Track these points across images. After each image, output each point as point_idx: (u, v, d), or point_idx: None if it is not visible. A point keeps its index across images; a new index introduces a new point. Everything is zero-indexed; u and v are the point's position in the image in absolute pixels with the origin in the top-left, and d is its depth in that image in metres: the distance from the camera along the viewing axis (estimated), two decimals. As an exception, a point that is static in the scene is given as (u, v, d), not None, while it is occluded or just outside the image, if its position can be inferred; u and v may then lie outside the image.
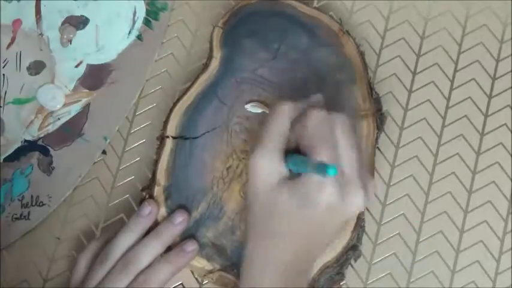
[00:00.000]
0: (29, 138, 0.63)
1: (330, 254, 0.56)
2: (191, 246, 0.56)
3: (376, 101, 0.59)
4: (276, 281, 0.49)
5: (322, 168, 0.45)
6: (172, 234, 0.56)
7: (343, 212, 0.49)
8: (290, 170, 0.50)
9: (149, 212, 0.56)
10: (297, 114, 0.51)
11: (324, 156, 0.48)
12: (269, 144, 0.49)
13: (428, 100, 0.62)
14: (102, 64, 0.64)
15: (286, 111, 0.50)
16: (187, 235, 0.57)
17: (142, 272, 0.54)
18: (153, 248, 0.55)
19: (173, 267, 0.55)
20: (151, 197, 0.58)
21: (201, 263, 0.57)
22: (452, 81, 0.63)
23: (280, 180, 0.49)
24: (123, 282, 0.54)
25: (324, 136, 0.49)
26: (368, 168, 0.56)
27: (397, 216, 0.60)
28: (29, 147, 0.63)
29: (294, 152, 0.50)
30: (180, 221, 0.56)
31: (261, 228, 0.50)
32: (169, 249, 0.56)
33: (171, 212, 0.57)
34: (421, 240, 0.59)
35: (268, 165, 0.49)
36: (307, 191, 0.48)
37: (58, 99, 0.63)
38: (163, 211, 0.57)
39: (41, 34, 0.65)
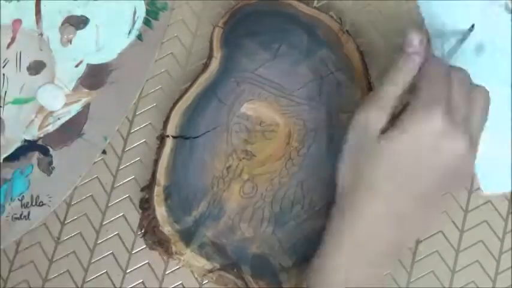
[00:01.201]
0: (29, 138, 0.63)
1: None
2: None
3: (376, 101, 0.59)
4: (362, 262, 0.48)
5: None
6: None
7: (445, 156, 0.46)
8: None
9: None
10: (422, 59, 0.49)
11: (433, 92, 0.46)
12: (383, 95, 0.48)
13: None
14: (102, 64, 0.64)
15: (413, 59, 0.48)
16: (188, 234, 0.57)
17: None
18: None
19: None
20: (151, 197, 0.58)
21: (200, 263, 0.57)
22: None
23: (383, 130, 0.47)
24: None
25: (440, 79, 0.47)
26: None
27: (397, 216, 0.60)
28: (29, 147, 0.63)
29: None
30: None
31: (352, 189, 0.48)
32: None
33: (170, 212, 0.57)
34: (421, 240, 0.59)
35: (375, 116, 0.48)
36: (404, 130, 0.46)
37: (58, 99, 0.63)
38: (163, 211, 0.57)
39: (41, 34, 0.65)
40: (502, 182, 0.60)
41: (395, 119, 0.47)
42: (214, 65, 0.60)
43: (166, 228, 0.57)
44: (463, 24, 0.60)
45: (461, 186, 0.52)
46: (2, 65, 0.64)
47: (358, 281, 0.48)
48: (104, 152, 0.63)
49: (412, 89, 0.48)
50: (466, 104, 0.47)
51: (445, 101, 0.46)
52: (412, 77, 0.48)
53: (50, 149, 0.63)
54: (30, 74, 0.64)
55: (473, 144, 0.47)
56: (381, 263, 0.50)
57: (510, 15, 0.62)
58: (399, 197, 0.48)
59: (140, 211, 0.60)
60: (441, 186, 0.49)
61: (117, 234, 0.61)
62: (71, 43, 0.65)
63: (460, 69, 0.49)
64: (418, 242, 0.59)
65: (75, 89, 0.64)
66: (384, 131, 0.47)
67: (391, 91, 0.48)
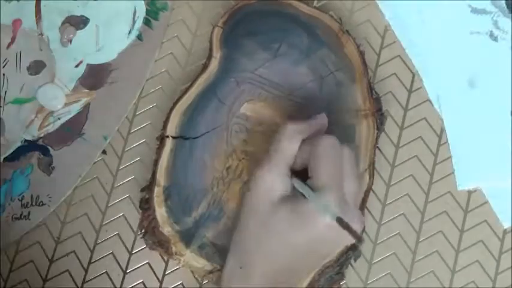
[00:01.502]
0: (29, 138, 0.63)
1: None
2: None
3: (376, 101, 0.59)
4: None
5: (324, 208, 0.47)
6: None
7: (339, 239, 0.49)
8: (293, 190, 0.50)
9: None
10: (307, 134, 0.52)
11: (329, 180, 0.48)
12: (278, 161, 0.51)
13: (428, 100, 0.62)
14: (102, 64, 0.64)
15: (295, 132, 0.51)
16: (188, 235, 0.57)
17: None
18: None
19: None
20: (151, 197, 0.58)
21: (201, 263, 0.57)
22: (452, 81, 0.63)
23: (282, 197, 0.50)
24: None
25: (333, 163, 0.49)
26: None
27: (397, 216, 0.60)
28: (29, 147, 0.63)
29: (299, 172, 0.51)
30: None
31: (251, 245, 0.51)
32: None
33: (170, 213, 0.57)
34: (421, 240, 0.59)
35: (273, 181, 0.50)
36: (309, 211, 0.48)
37: (59, 99, 0.63)
38: (163, 211, 0.57)
39: (41, 34, 0.65)
40: (475, 177, 0.60)
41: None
42: (214, 65, 0.60)
43: (166, 229, 0.57)
44: (450, 57, 0.62)
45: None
46: (2, 65, 0.64)
47: None
48: (104, 152, 0.63)
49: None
50: (350, 181, 0.50)
51: (338, 188, 0.49)
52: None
53: (50, 149, 0.63)
54: (30, 74, 0.64)
55: (359, 217, 0.50)
56: None
57: (496, 42, 0.61)
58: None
59: (140, 211, 0.60)
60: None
61: (117, 234, 0.61)
62: (71, 43, 0.65)
63: (346, 147, 0.51)
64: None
65: (75, 89, 0.64)
66: (283, 199, 0.50)
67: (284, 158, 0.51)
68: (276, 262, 0.50)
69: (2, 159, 0.62)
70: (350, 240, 0.48)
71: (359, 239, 0.47)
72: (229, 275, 0.52)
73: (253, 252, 0.51)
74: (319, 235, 0.48)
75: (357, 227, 0.48)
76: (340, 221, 0.47)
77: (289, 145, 0.51)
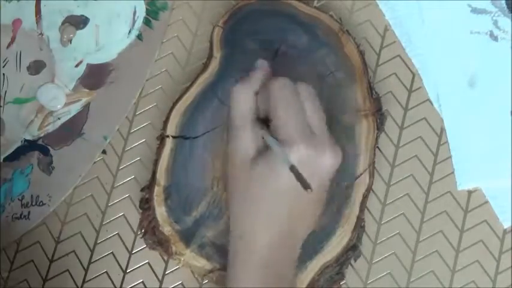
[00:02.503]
0: (29, 138, 0.63)
1: (330, 254, 0.56)
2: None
3: (376, 101, 0.59)
4: (260, 268, 0.50)
5: (284, 158, 0.47)
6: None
7: (320, 172, 0.49)
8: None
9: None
10: (257, 87, 0.52)
11: (289, 123, 0.49)
12: (240, 123, 0.51)
13: (428, 100, 0.62)
14: (102, 64, 0.64)
15: (242, 91, 0.52)
16: (188, 234, 0.57)
17: None
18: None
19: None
20: (151, 197, 0.58)
21: (201, 263, 0.57)
22: (452, 81, 0.63)
23: (255, 154, 0.50)
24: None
25: (289, 101, 0.50)
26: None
27: (397, 216, 0.60)
28: (29, 147, 0.63)
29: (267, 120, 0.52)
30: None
31: (241, 209, 0.51)
32: None
33: (170, 212, 0.57)
34: (421, 239, 0.59)
35: (242, 143, 0.51)
36: (278, 162, 0.48)
37: (59, 99, 0.64)
38: (163, 211, 0.57)
39: (41, 34, 0.65)
40: (475, 177, 0.60)
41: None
42: (214, 64, 0.60)
43: (166, 229, 0.57)
44: (450, 57, 0.62)
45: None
46: (2, 65, 0.64)
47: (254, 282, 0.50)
48: (104, 151, 0.63)
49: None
50: (314, 113, 0.51)
51: (301, 127, 0.49)
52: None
53: (50, 149, 0.63)
54: (30, 73, 0.64)
55: (332, 145, 0.50)
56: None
57: (496, 42, 0.61)
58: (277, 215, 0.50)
59: (140, 211, 0.60)
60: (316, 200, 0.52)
61: (117, 234, 0.61)
62: (71, 43, 0.65)
63: (301, 83, 0.52)
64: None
65: (75, 88, 0.64)
66: (257, 156, 0.50)
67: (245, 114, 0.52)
68: (269, 221, 0.50)
69: (2, 159, 0.62)
70: (330, 166, 0.49)
71: (306, 186, 0.46)
72: (233, 250, 0.51)
73: (246, 218, 0.51)
74: (292, 184, 0.47)
75: (329, 158, 0.49)
76: (292, 169, 0.47)
77: (242, 105, 0.51)
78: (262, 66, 0.55)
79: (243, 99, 0.52)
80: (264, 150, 0.50)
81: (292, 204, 0.50)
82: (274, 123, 0.50)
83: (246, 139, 0.51)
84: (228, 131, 0.52)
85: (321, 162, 0.49)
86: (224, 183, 0.57)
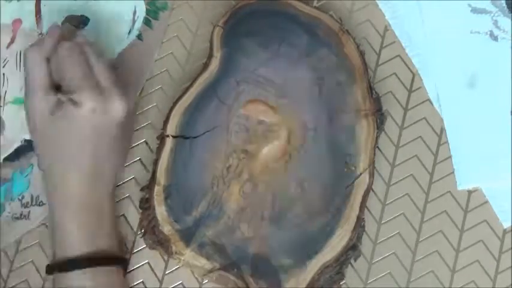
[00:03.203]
0: (29, 137, 0.63)
1: (330, 254, 0.56)
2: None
3: (376, 101, 0.59)
4: (80, 209, 0.55)
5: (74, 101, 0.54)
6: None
7: (111, 118, 0.55)
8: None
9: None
10: (49, 50, 0.56)
11: (76, 78, 0.54)
12: (32, 88, 0.55)
13: (428, 100, 0.62)
14: (102, 64, 0.64)
15: (34, 55, 0.56)
16: (188, 234, 0.57)
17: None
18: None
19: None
20: (151, 197, 0.58)
21: (201, 262, 0.57)
22: (452, 81, 0.63)
23: (52, 111, 0.55)
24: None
25: (73, 59, 0.55)
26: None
27: (397, 216, 0.60)
28: (29, 147, 0.63)
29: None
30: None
31: (49, 162, 0.56)
32: None
33: (170, 212, 0.57)
34: (421, 239, 0.59)
35: (39, 103, 0.55)
36: (69, 110, 0.54)
37: (58, 99, 0.63)
38: (163, 211, 0.57)
39: (41, 33, 0.65)
40: (475, 177, 0.60)
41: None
42: (214, 64, 0.60)
43: (166, 228, 0.57)
44: (450, 57, 0.62)
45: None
46: (2, 65, 0.64)
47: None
48: (103, 151, 0.63)
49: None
50: (100, 67, 0.56)
51: (87, 78, 0.55)
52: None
53: (50, 149, 0.63)
54: (30, 73, 0.64)
55: (119, 94, 0.56)
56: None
57: (496, 42, 0.61)
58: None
59: (140, 211, 0.59)
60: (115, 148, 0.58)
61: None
62: (71, 43, 0.65)
63: (85, 43, 0.57)
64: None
65: (75, 88, 0.64)
66: (52, 111, 0.55)
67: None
68: (77, 166, 0.55)
69: (2, 159, 0.62)
70: (116, 112, 0.55)
71: (74, 103, 0.53)
72: (49, 207, 0.57)
73: (56, 170, 0.56)
74: (88, 125, 0.54)
75: (116, 106, 0.55)
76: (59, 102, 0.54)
77: (35, 71, 0.55)
78: (52, 30, 0.58)
79: (36, 64, 0.55)
80: (58, 108, 0.55)
81: (95, 144, 0.55)
82: (66, 82, 0.55)
83: (41, 101, 0.54)
84: (25, 93, 0.56)
85: (110, 108, 0.54)
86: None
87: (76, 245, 0.54)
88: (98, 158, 0.55)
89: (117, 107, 0.55)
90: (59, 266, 0.54)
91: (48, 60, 0.56)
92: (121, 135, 0.57)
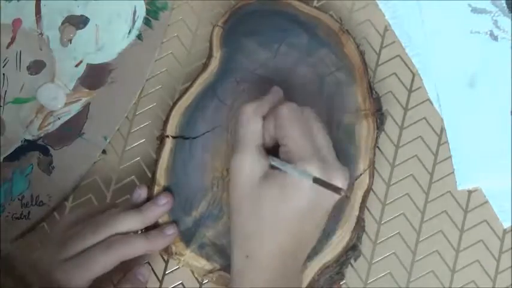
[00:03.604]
0: (29, 137, 0.63)
1: (330, 254, 0.56)
2: (171, 229, 0.56)
3: (376, 101, 0.59)
4: (270, 280, 0.50)
5: (301, 174, 0.47)
6: (155, 214, 0.56)
7: (327, 193, 0.49)
8: (272, 166, 0.51)
9: (166, 202, 0.56)
10: (266, 110, 0.52)
11: (301, 144, 0.49)
12: (246, 144, 0.51)
13: (428, 100, 0.62)
14: (102, 63, 0.64)
15: (253, 111, 0.52)
16: (188, 235, 0.57)
17: (117, 238, 0.54)
18: (132, 220, 0.55)
19: (148, 245, 0.55)
20: (151, 196, 0.58)
21: (200, 263, 0.57)
22: (452, 81, 0.63)
23: (263, 176, 0.50)
24: (88, 240, 0.54)
25: (298, 126, 0.50)
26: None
27: (397, 216, 0.60)
28: (29, 146, 0.63)
29: (272, 149, 0.52)
30: (164, 202, 0.56)
31: (249, 228, 0.51)
32: None
33: (170, 212, 0.57)
34: (421, 239, 0.59)
35: (249, 164, 0.50)
36: (291, 181, 0.49)
37: (59, 98, 0.64)
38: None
39: (41, 33, 0.65)
40: (475, 177, 0.60)
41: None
42: (214, 64, 0.60)
43: (166, 228, 0.57)
44: (450, 57, 0.61)
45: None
46: (2, 65, 0.64)
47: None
48: (104, 151, 0.63)
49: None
50: (322, 137, 0.51)
51: (312, 149, 0.49)
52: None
53: (50, 149, 0.63)
54: (30, 73, 0.64)
55: (342, 169, 0.50)
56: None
57: (496, 42, 0.61)
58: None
59: (140, 211, 0.60)
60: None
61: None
62: (71, 43, 0.65)
63: (306, 108, 0.52)
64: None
65: (75, 88, 0.64)
66: (265, 178, 0.50)
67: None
68: (279, 240, 0.50)
69: (2, 159, 0.62)
70: (334, 195, 0.48)
71: (338, 191, 0.47)
72: (239, 269, 0.51)
73: (254, 237, 0.50)
74: (307, 199, 0.49)
75: (340, 180, 0.49)
76: (317, 180, 0.47)
77: (251, 126, 0.51)
78: (276, 93, 0.54)
79: (252, 120, 0.51)
80: (270, 172, 0.50)
81: (301, 224, 0.50)
82: (285, 145, 0.50)
83: (253, 160, 0.50)
84: (234, 149, 0.52)
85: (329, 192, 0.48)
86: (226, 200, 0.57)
87: None
88: (299, 239, 0.50)
89: (338, 184, 0.49)
90: None
91: (263, 119, 0.52)
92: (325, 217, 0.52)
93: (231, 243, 0.52)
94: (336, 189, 0.47)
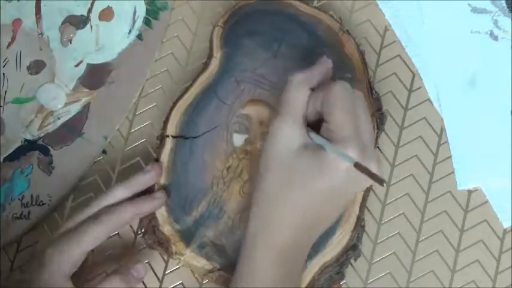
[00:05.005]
0: (29, 137, 0.63)
1: (330, 254, 0.56)
2: (159, 193, 0.57)
3: (376, 101, 0.59)
4: (276, 261, 0.50)
5: (342, 155, 0.47)
6: (141, 182, 0.57)
7: (360, 180, 0.49)
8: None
9: (151, 169, 0.57)
10: (315, 83, 0.51)
11: (346, 125, 0.48)
12: (290, 110, 0.50)
13: (428, 100, 0.62)
14: (102, 63, 0.64)
15: (303, 80, 0.51)
16: (188, 234, 0.57)
17: (104, 209, 0.55)
18: (119, 188, 0.56)
19: (135, 208, 0.55)
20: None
21: (201, 263, 0.57)
22: (452, 81, 0.63)
23: (301, 145, 0.49)
24: (82, 214, 0.55)
25: (347, 107, 0.49)
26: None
27: (397, 216, 0.60)
28: (29, 146, 0.63)
29: (314, 123, 0.51)
30: (149, 169, 0.57)
31: (274, 196, 0.50)
32: None
33: (170, 212, 0.57)
34: (421, 239, 0.59)
35: (289, 130, 0.50)
36: (329, 158, 0.48)
37: (59, 98, 0.64)
38: (163, 211, 0.57)
39: (41, 33, 0.65)
40: (475, 177, 0.60)
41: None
42: (214, 64, 0.60)
43: (166, 228, 0.57)
44: (450, 57, 0.62)
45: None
46: (2, 65, 0.64)
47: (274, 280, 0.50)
48: (104, 151, 0.63)
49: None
50: (366, 123, 0.50)
51: (355, 133, 0.48)
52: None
53: (50, 149, 0.63)
54: (30, 73, 0.64)
55: (378, 159, 0.49)
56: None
57: (496, 42, 0.61)
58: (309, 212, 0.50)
59: (140, 211, 0.59)
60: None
61: (117, 234, 0.61)
62: (71, 43, 0.65)
63: (358, 91, 0.52)
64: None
65: (75, 88, 0.64)
66: (302, 147, 0.49)
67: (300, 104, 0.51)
68: (302, 211, 0.49)
69: (2, 159, 0.62)
70: (369, 182, 0.48)
71: (380, 181, 0.45)
72: (252, 235, 0.51)
73: (279, 206, 0.50)
74: (340, 180, 0.48)
75: (374, 170, 0.47)
76: (358, 166, 0.46)
77: (297, 94, 0.51)
78: (326, 64, 0.53)
79: (301, 88, 0.51)
80: (310, 144, 0.50)
81: (323, 205, 0.50)
82: (329, 123, 0.49)
83: (294, 127, 0.50)
84: (276, 111, 0.51)
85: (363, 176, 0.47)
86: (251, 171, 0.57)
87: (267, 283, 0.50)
88: (318, 218, 0.51)
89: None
90: None
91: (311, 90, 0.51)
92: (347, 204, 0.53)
93: (251, 208, 0.52)
94: (378, 179, 0.46)
